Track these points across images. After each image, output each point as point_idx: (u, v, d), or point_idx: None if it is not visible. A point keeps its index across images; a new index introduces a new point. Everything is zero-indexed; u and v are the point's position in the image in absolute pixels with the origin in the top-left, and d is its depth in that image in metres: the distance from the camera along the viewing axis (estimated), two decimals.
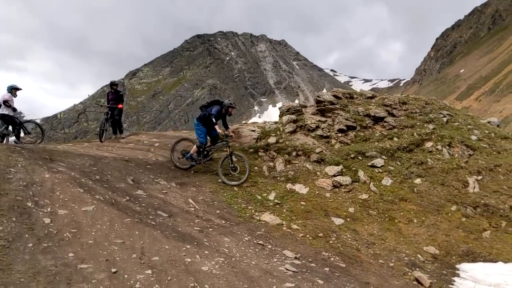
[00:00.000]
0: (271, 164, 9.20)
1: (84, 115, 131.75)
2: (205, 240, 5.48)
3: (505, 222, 7.86)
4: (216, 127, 8.63)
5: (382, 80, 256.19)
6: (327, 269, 5.45)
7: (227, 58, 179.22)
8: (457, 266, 6.49)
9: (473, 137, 10.59)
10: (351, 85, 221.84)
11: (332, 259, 5.89)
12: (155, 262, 4.49)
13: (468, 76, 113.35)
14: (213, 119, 8.58)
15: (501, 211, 8.15)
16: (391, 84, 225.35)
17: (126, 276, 4.07)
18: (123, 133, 13.06)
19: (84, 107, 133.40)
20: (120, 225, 5.22)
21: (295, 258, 5.59)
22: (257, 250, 5.59)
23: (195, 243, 5.27)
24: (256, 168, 9.06)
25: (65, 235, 4.63)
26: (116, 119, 12.53)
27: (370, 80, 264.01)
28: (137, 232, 5.14)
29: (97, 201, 5.68)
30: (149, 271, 4.25)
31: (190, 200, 7.03)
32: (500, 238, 7.46)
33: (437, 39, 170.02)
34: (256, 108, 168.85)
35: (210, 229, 5.96)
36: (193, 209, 6.69)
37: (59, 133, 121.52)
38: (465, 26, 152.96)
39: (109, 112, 12.34)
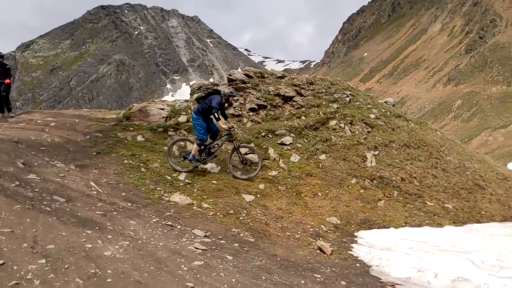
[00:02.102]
0: (182, 143, 8.97)
1: None
2: (108, 224, 5.16)
3: (397, 192, 8.73)
4: (220, 122, 7.84)
5: (294, 61, 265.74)
6: (236, 244, 5.52)
7: (136, 32, 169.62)
8: (356, 233, 7.06)
9: (372, 116, 11.47)
10: (265, 65, 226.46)
11: (241, 234, 5.98)
12: (50, 251, 4.10)
13: (371, 59, 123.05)
14: (216, 114, 7.70)
15: (394, 182, 9.02)
16: (302, 66, 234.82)
17: (15, 267, 3.66)
18: (11, 111, 11.60)
19: None
20: (8, 213, 4.66)
21: (205, 236, 5.56)
22: (165, 231, 5.43)
23: (97, 228, 4.93)
24: (165, 148, 8.76)
25: None
26: (3, 96, 11.07)
27: (283, 61, 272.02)
28: (28, 220, 4.64)
29: None
30: (43, 260, 3.87)
31: (92, 183, 6.55)
32: (392, 206, 8.29)
33: (344, 23, 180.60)
34: (168, 86, 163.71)
35: (115, 213, 5.63)
36: (95, 192, 6.24)
37: None
38: (368, 12, 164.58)
39: None
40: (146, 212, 5.98)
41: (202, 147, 8.01)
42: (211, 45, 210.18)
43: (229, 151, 8.48)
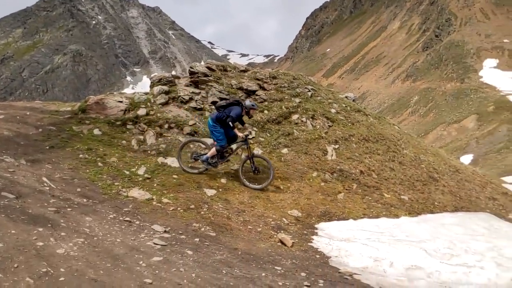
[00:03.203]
0: (141, 137, 8.74)
1: None
2: (62, 221, 4.95)
3: (356, 185, 8.96)
4: (235, 130, 7.86)
5: (258, 55, 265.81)
6: (197, 239, 5.47)
7: (94, 22, 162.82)
8: (316, 225, 7.18)
9: (333, 110, 11.68)
10: (228, 59, 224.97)
11: (202, 229, 5.93)
12: None
13: (333, 55, 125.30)
14: (230, 122, 7.70)
15: (353, 175, 9.25)
16: (266, 60, 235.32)
17: None
18: None
19: None
20: None
21: (165, 231, 5.46)
22: (123, 227, 5.28)
23: (50, 225, 4.71)
24: (124, 142, 8.49)
25: None
26: None
27: (247, 55, 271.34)
28: None
29: None
30: None
31: (45, 179, 6.24)
32: (351, 198, 8.50)
33: (307, 18, 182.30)
34: (129, 78, 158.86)
35: (69, 209, 5.40)
36: (48, 188, 5.96)
37: None
38: (331, 8, 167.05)
39: None
40: (103, 208, 5.79)
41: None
42: (173, 37, 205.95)
43: (242, 159, 8.44)
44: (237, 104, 8.03)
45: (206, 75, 10.88)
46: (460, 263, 5.63)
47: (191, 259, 4.75)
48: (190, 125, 9.33)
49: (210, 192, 7.37)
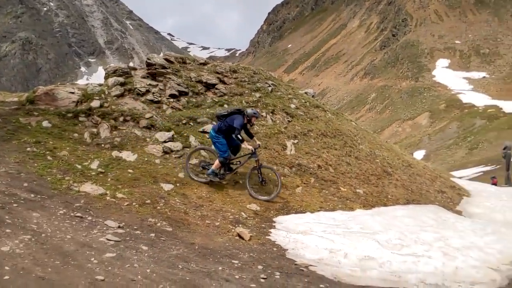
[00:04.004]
0: (94, 130, 8.39)
1: None
2: (7, 217, 4.68)
3: (314, 179, 9.12)
4: (244, 144, 7.69)
5: (219, 49, 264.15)
6: (152, 234, 5.36)
7: (45, 9, 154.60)
8: (274, 219, 7.24)
9: (292, 106, 11.80)
10: (189, 51, 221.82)
11: (158, 224, 5.82)
12: None
13: (294, 51, 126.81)
14: (239, 136, 7.56)
15: (311, 169, 9.40)
16: (227, 54, 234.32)
17: None
18: None
19: None
20: None
21: (119, 227, 5.30)
22: (74, 223, 5.07)
23: None
24: (76, 135, 8.12)
25: None
26: None
27: (208, 48, 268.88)
28: None
29: None
30: None
31: None
32: (309, 192, 8.64)
33: (269, 13, 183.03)
34: (83, 69, 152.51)
35: (15, 205, 5.11)
36: None
37: None
38: (292, 4, 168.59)
39: None
40: (52, 204, 5.54)
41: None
42: (131, 27, 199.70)
43: (249, 168, 8.26)
44: (238, 113, 7.90)
45: (164, 67, 10.63)
46: (409, 253, 5.89)
47: (146, 254, 4.66)
48: (147, 118, 9.07)
49: (167, 186, 7.24)
